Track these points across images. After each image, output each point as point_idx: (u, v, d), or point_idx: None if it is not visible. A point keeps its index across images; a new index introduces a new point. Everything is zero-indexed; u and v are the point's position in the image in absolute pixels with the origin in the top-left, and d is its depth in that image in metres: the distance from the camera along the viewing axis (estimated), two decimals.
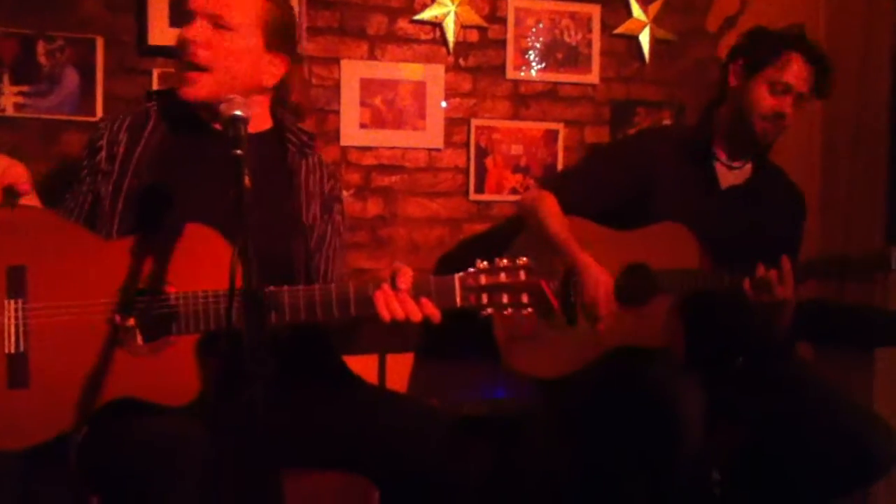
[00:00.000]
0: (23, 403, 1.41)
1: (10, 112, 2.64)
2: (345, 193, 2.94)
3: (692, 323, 2.30)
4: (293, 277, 1.69)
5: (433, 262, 3.06)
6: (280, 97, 1.81)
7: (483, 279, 1.55)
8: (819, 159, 3.18)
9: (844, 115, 3.09)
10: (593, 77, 3.19)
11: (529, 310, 1.55)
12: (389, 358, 2.88)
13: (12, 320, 1.42)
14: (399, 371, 2.92)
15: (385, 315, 1.51)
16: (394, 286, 1.52)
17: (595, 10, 3.17)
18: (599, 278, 2.21)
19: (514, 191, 3.12)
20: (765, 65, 2.26)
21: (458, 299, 1.54)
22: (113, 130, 1.71)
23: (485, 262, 1.56)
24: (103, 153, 1.68)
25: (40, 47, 2.66)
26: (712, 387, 2.16)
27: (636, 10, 3.20)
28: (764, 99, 2.26)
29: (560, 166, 3.14)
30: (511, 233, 2.53)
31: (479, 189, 3.10)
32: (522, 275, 1.55)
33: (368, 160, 3.00)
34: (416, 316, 1.52)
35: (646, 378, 2.17)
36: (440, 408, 1.78)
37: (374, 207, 3.02)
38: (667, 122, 3.23)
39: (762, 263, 2.17)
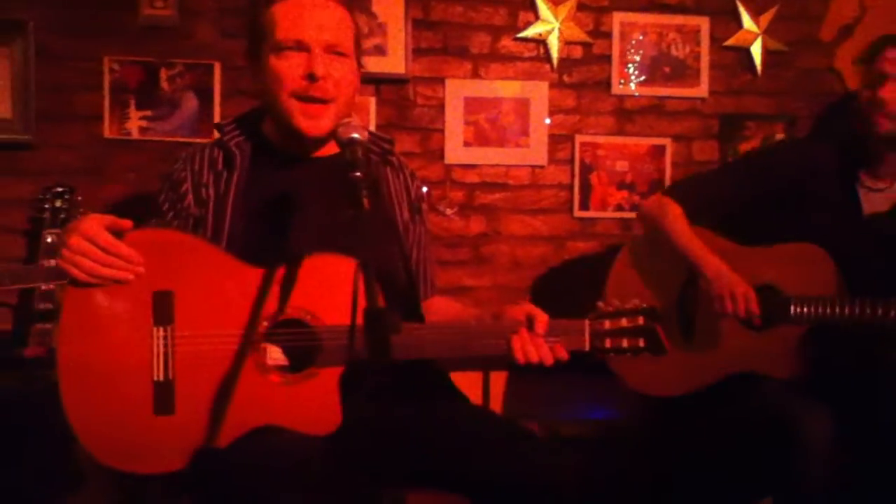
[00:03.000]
0: (168, 429, 1.42)
1: (135, 135, 2.80)
2: (448, 211, 3.01)
3: (822, 354, 2.15)
4: (394, 285, 1.70)
5: (535, 280, 3.04)
6: None
7: (607, 324, 1.59)
8: None
9: None
10: (702, 90, 3.11)
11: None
12: (493, 375, 2.88)
13: (160, 348, 1.43)
14: (502, 388, 2.92)
15: (520, 358, 1.54)
16: (531, 329, 1.54)
17: (703, 23, 3.10)
18: (736, 289, 2.11)
19: (618, 207, 3.07)
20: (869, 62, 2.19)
21: (587, 344, 1.59)
22: (195, 171, 1.67)
23: (607, 306, 1.61)
24: (190, 198, 1.65)
25: (162, 73, 2.81)
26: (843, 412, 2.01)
27: (747, 21, 3.11)
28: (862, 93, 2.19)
29: (667, 182, 3.07)
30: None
31: (584, 206, 3.07)
32: (641, 320, 1.59)
33: (472, 178, 3.02)
34: (549, 360, 1.55)
35: (764, 396, 2.08)
36: (538, 428, 1.77)
37: (476, 225, 3.03)
38: (779, 135, 3.11)
39: None
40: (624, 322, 1.60)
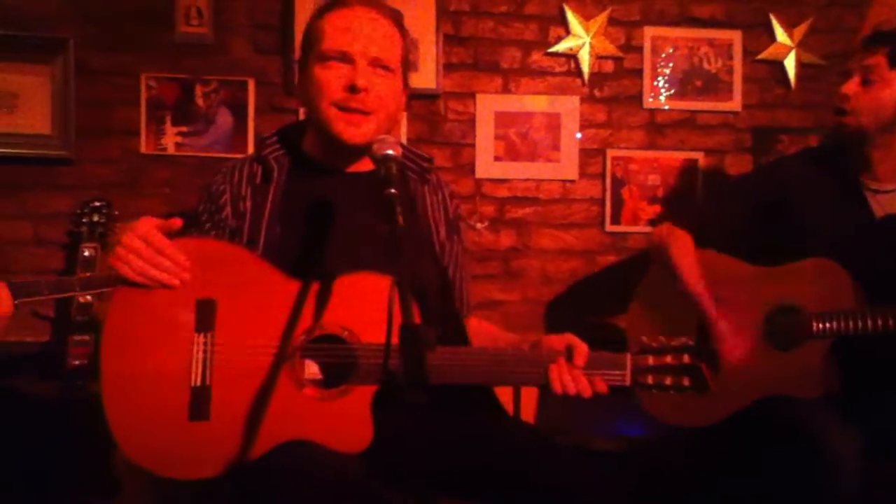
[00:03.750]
0: (202, 436, 1.43)
1: (170, 151, 2.85)
2: (479, 225, 3.01)
3: (849, 367, 2.12)
4: (429, 303, 1.70)
5: (566, 295, 3.03)
6: None
7: (651, 360, 1.56)
8: None
9: None
10: (734, 104, 3.09)
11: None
12: (525, 388, 2.87)
13: (200, 354, 1.44)
14: (534, 401, 2.90)
15: (557, 388, 1.51)
16: (569, 360, 1.52)
17: (736, 36, 3.08)
18: (733, 351, 2.14)
19: (650, 222, 3.05)
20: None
21: (628, 379, 1.55)
22: (234, 184, 1.69)
23: (652, 341, 1.57)
24: (228, 210, 1.66)
25: (198, 90, 2.86)
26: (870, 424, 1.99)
27: (780, 35, 3.09)
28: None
29: (700, 196, 3.05)
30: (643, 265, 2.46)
31: (615, 220, 3.06)
32: (686, 358, 1.56)
33: (502, 192, 3.02)
34: (587, 393, 1.51)
35: (792, 415, 2.05)
36: (569, 443, 1.75)
37: (507, 239, 3.03)
38: None
39: None
40: (669, 359, 1.56)
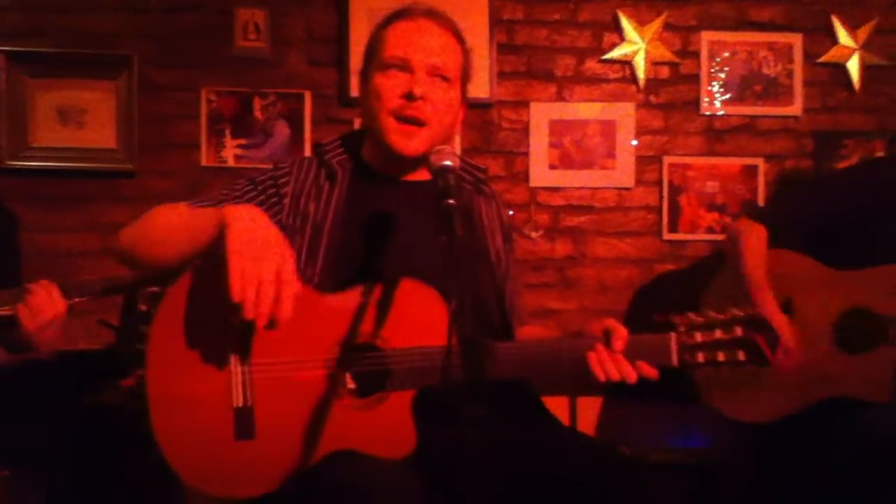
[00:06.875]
0: (249, 454, 1.44)
1: (230, 163, 2.91)
2: (533, 234, 3.00)
3: None
4: (486, 315, 1.69)
5: (623, 303, 3.00)
6: None
7: (698, 337, 1.48)
8: None
9: None
10: (795, 109, 3.02)
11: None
12: (580, 400, 2.85)
13: (239, 375, 1.45)
14: (590, 413, 2.87)
15: (600, 375, 1.47)
16: (607, 345, 1.47)
17: (796, 39, 3.02)
18: (787, 345, 2.09)
19: (709, 230, 3.00)
20: None
21: (674, 359, 1.48)
22: (299, 180, 1.68)
23: (699, 316, 1.49)
24: (287, 200, 1.65)
25: (256, 103, 2.92)
26: None
27: (843, 37, 3.01)
28: None
29: (761, 202, 2.99)
30: (709, 271, 2.42)
31: (673, 228, 3.02)
32: (739, 330, 1.47)
33: (557, 201, 3.01)
34: (632, 377, 1.46)
35: (865, 421, 1.99)
36: (630, 455, 1.71)
37: (562, 248, 3.01)
38: (879, 153, 2.99)
39: None
40: (718, 333, 1.47)
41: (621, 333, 1.47)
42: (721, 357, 1.47)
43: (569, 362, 1.51)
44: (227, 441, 1.45)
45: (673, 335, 1.48)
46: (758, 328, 1.46)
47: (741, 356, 1.46)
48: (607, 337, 1.47)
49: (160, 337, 1.48)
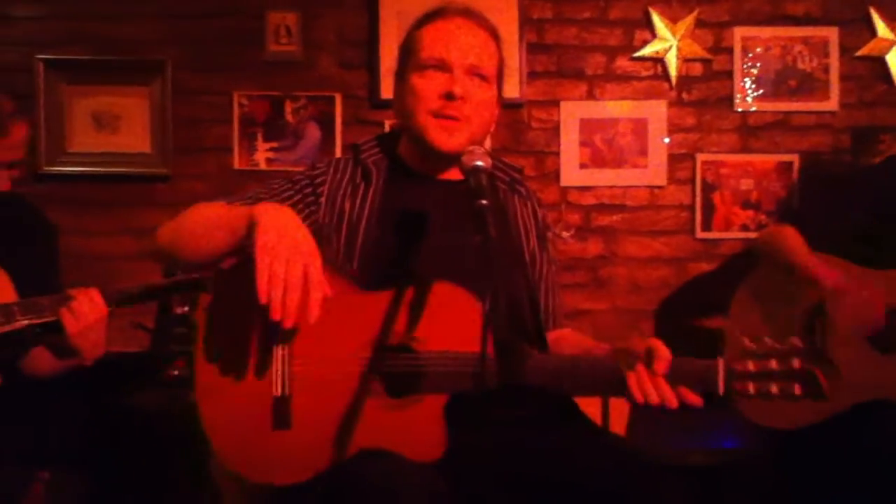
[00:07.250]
0: (285, 444, 1.47)
1: (262, 166, 2.94)
2: (565, 234, 2.98)
3: None
4: (521, 317, 1.68)
5: (656, 303, 2.97)
6: None
7: (751, 365, 1.40)
8: None
9: None
10: (832, 104, 2.97)
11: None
12: (612, 400, 2.82)
13: (280, 365, 1.48)
14: (622, 414, 2.85)
15: (638, 397, 1.40)
16: (649, 366, 1.40)
17: (832, 33, 2.96)
18: (867, 304, 2.05)
19: (744, 227, 2.96)
20: None
21: (720, 387, 1.40)
22: (335, 179, 1.70)
23: (752, 342, 1.41)
24: (323, 199, 1.67)
25: (287, 106, 2.94)
26: None
27: (882, 29, 2.95)
28: None
29: (797, 200, 2.94)
30: (739, 272, 2.39)
31: (706, 226, 2.98)
32: (796, 362, 1.38)
33: (588, 200, 2.99)
34: (673, 403, 1.39)
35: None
36: (653, 459, 1.67)
37: (594, 247, 2.99)
38: None
39: None
40: (774, 364, 1.38)
41: (664, 355, 1.40)
42: (774, 389, 1.38)
43: (605, 383, 1.47)
44: (265, 429, 1.48)
45: (721, 361, 1.41)
46: (816, 361, 1.37)
47: (797, 390, 1.38)
48: (649, 358, 1.40)
49: (211, 322, 1.51)
